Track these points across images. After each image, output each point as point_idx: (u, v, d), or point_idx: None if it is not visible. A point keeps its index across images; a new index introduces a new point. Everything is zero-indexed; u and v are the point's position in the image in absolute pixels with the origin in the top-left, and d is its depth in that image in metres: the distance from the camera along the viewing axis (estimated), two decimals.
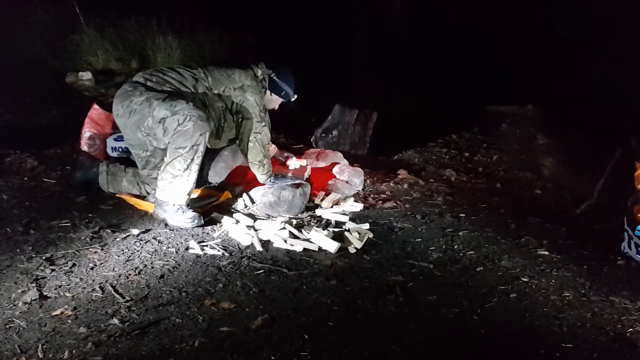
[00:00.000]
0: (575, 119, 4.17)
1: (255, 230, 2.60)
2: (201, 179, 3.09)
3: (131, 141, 2.79)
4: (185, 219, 2.56)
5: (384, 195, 3.35)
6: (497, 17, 6.45)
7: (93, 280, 2.03)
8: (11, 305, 1.82)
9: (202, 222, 2.60)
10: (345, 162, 3.55)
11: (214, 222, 2.67)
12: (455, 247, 2.62)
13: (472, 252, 2.57)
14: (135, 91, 2.61)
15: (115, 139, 3.38)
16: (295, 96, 3.10)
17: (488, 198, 3.44)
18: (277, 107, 3.17)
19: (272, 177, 3.07)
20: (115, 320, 1.77)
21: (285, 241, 2.50)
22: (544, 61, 5.86)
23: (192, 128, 2.48)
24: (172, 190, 2.53)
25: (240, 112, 2.92)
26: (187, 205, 2.61)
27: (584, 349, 1.81)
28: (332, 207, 3.00)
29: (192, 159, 2.51)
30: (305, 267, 2.29)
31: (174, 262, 2.24)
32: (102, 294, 1.94)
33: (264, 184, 3.02)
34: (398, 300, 2.05)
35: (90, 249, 2.29)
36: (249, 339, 1.73)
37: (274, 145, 3.46)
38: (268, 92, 3.04)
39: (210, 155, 3.05)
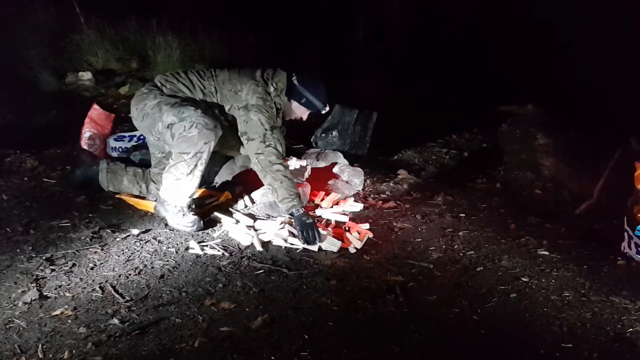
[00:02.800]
0: (575, 119, 4.16)
1: (255, 230, 2.60)
2: (201, 179, 3.09)
3: (148, 141, 2.85)
4: (186, 222, 2.56)
5: (384, 195, 3.34)
6: (497, 17, 6.45)
7: (93, 280, 2.03)
8: (11, 305, 1.82)
9: (202, 226, 2.59)
10: (345, 162, 3.54)
11: (214, 222, 2.67)
12: (455, 247, 2.62)
13: (472, 252, 2.56)
14: (149, 94, 2.63)
15: (115, 139, 3.39)
16: (327, 108, 2.84)
17: (488, 198, 3.44)
18: (305, 118, 2.91)
19: (296, 208, 2.52)
20: (115, 320, 1.77)
21: (286, 241, 2.50)
22: (544, 61, 5.85)
23: (197, 135, 2.46)
24: (174, 190, 2.53)
25: (246, 133, 2.66)
26: (189, 207, 2.61)
27: (584, 349, 1.81)
28: (332, 207, 3.01)
29: (196, 165, 2.50)
30: (305, 267, 2.29)
31: (174, 262, 2.24)
32: (102, 294, 1.94)
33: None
34: (398, 300, 2.05)
35: (90, 249, 2.29)
36: (249, 339, 1.73)
37: (292, 159, 3.13)
38: (291, 101, 2.82)
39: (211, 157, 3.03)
